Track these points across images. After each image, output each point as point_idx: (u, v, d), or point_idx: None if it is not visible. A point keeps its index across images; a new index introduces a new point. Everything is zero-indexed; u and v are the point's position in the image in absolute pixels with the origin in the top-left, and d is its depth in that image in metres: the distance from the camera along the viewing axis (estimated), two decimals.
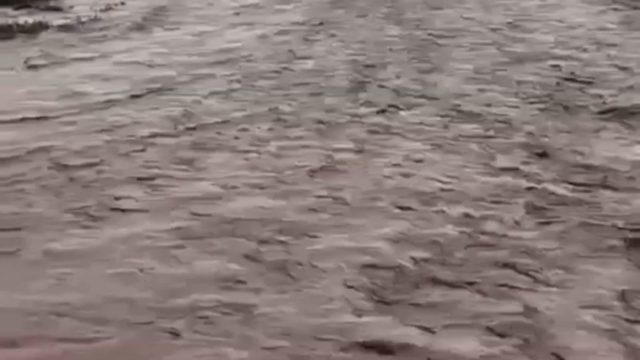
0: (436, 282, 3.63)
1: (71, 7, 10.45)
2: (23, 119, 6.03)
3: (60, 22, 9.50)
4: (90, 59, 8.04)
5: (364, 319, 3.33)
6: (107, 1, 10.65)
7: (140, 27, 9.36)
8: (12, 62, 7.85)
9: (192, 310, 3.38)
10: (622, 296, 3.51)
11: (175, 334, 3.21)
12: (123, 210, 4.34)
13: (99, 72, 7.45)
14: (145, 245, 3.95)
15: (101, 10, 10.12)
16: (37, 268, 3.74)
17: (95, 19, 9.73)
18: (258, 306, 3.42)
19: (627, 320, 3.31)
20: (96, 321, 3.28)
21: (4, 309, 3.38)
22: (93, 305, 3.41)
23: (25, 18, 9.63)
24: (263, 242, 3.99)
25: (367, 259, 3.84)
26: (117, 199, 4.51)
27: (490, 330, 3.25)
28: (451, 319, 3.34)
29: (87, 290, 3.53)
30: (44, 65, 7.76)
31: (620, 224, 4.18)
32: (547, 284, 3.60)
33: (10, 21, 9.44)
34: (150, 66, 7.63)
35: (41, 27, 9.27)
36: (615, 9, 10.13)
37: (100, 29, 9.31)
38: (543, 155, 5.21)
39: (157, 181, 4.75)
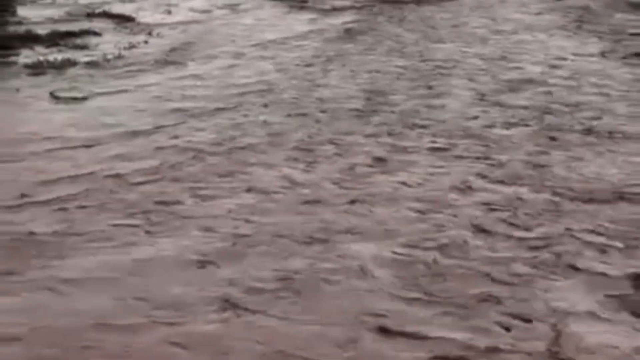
0: (458, 275, 4.11)
1: (97, 45, 10.39)
2: (74, 146, 6.28)
3: (87, 59, 9.47)
4: (117, 92, 8.09)
5: (399, 305, 3.81)
6: (131, 40, 10.69)
7: (165, 63, 9.38)
8: (44, 96, 7.94)
9: (258, 295, 3.87)
10: (624, 285, 4.02)
11: (247, 313, 3.71)
12: (182, 217, 4.77)
13: (129, 103, 7.58)
14: (204, 244, 4.41)
15: (125, 48, 10.10)
16: (118, 267, 4.20)
17: (120, 57, 9.73)
18: (316, 289, 3.92)
19: (630, 303, 3.83)
20: (176, 307, 3.75)
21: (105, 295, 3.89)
22: (170, 295, 3.87)
23: (54, 55, 9.60)
24: (306, 240, 4.47)
25: (396, 256, 4.31)
26: (174, 206, 4.94)
27: (512, 315, 3.72)
28: (476, 306, 3.79)
29: (164, 282, 4.00)
30: (74, 98, 7.84)
31: (616, 228, 4.66)
32: (558, 275, 4.10)
33: (41, 58, 9.45)
34: (184, 97, 7.78)
35: (69, 63, 9.25)
36: (596, 42, 10.40)
37: (125, 65, 9.29)
38: (542, 168, 5.67)
39: (207, 192, 5.17)
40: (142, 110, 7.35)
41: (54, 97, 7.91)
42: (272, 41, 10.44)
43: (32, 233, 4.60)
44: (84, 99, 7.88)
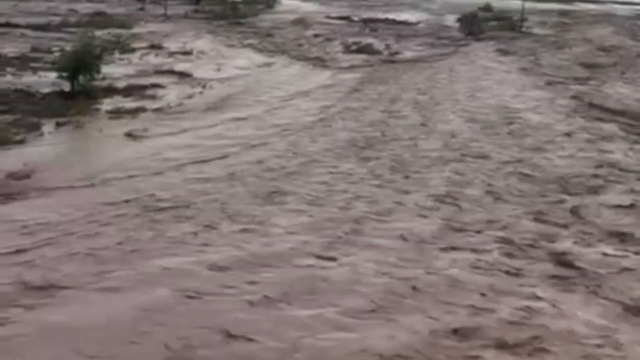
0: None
1: (162, 95, 10.88)
2: (145, 174, 6.84)
3: (155, 106, 10.01)
4: (178, 132, 8.55)
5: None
6: (189, 91, 11.21)
7: (216, 109, 9.91)
8: (121, 135, 8.44)
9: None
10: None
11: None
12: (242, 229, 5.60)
13: (188, 141, 8.10)
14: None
15: (184, 98, 10.64)
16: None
17: (180, 104, 10.18)
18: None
19: None
20: None
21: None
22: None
23: (130, 104, 10.15)
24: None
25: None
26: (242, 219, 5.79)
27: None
28: None
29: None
30: (145, 137, 8.34)
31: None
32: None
33: (119, 105, 9.98)
34: (230, 136, 8.45)
35: (141, 109, 9.83)
36: (541, 83, 11.81)
37: (185, 111, 9.74)
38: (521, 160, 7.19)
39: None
40: (198, 145, 7.92)
41: (129, 135, 8.46)
42: (301, 91, 11.32)
43: None
44: (152, 137, 8.41)
